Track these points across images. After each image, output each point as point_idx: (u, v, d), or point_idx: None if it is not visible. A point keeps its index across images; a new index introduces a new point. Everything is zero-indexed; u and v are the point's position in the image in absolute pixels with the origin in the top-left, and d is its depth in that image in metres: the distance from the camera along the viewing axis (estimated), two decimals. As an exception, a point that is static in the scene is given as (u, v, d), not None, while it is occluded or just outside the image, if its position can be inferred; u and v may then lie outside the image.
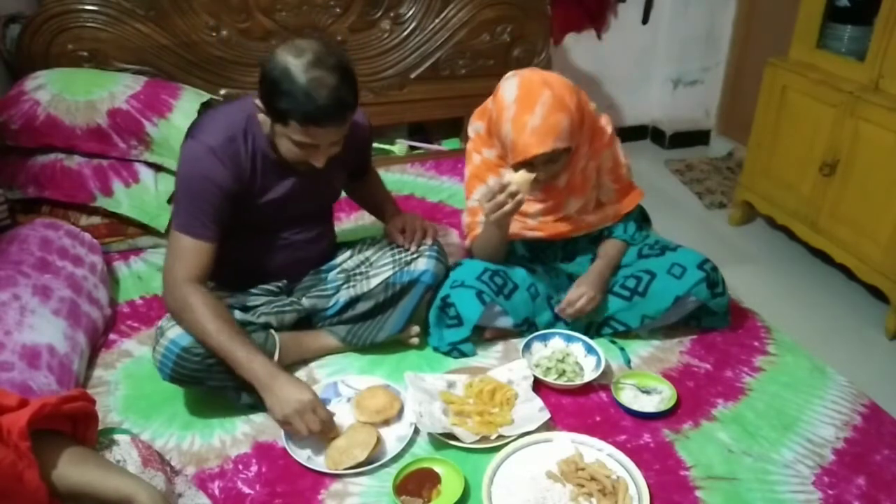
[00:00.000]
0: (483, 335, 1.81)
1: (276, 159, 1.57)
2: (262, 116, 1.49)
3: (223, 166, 1.50)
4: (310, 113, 1.39)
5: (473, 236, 1.85)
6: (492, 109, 1.68)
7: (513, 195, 1.56)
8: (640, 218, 1.93)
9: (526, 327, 1.79)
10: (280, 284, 1.74)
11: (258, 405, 1.54)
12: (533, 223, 1.80)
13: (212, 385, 1.52)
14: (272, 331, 1.64)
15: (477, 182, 1.82)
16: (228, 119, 1.54)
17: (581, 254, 1.91)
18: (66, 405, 1.00)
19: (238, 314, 1.59)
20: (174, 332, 1.48)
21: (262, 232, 1.68)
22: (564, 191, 1.76)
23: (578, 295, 1.73)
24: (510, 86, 1.62)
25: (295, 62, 1.38)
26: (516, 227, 1.81)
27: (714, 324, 1.85)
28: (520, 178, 1.58)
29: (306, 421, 1.40)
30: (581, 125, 1.65)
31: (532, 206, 1.77)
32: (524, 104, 1.57)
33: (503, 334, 1.83)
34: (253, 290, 1.70)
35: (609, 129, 1.81)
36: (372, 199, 1.94)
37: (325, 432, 1.44)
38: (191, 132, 1.55)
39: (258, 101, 1.46)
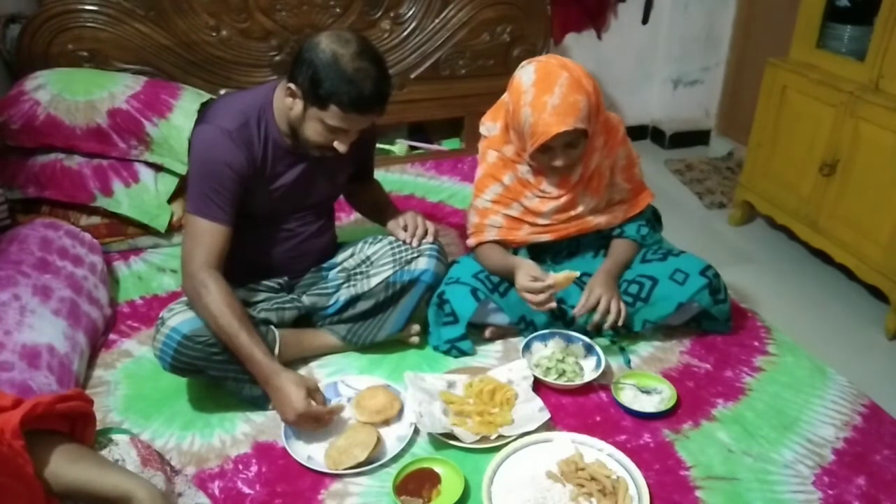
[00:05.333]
0: (483, 335, 1.82)
1: (286, 147, 1.60)
2: (288, 101, 1.53)
3: (239, 150, 1.53)
4: (355, 100, 1.46)
5: (480, 240, 1.82)
6: (507, 102, 1.70)
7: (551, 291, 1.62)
8: (653, 219, 1.92)
9: (524, 326, 1.79)
10: (281, 281, 1.75)
11: (259, 400, 1.56)
12: (543, 224, 1.80)
13: (212, 374, 1.53)
14: (272, 327, 1.65)
15: (491, 181, 1.80)
16: (242, 105, 1.58)
17: (584, 250, 1.91)
18: (61, 404, 0.99)
19: None
20: (175, 321, 1.49)
21: (267, 222, 1.69)
22: (578, 185, 1.75)
23: (595, 299, 1.68)
24: (527, 72, 1.64)
25: (342, 51, 1.44)
26: (524, 233, 1.81)
27: (715, 328, 1.84)
28: (563, 279, 1.61)
29: (305, 429, 1.46)
30: (598, 110, 1.66)
31: (546, 205, 1.76)
32: (543, 85, 1.59)
33: (503, 334, 1.83)
34: (254, 286, 1.71)
35: (622, 128, 1.81)
36: (374, 204, 1.95)
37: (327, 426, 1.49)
38: (204, 117, 1.59)
39: (292, 85, 1.50)
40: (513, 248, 1.84)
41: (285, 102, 1.54)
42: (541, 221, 1.79)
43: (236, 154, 1.53)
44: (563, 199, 1.76)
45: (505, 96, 1.73)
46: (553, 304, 1.64)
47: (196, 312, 1.50)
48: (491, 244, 1.81)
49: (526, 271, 1.65)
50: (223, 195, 1.53)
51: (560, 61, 1.64)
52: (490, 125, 1.82)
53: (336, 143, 1.54)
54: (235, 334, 1.45)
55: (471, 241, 1.87)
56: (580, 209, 1.78)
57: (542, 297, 1.61)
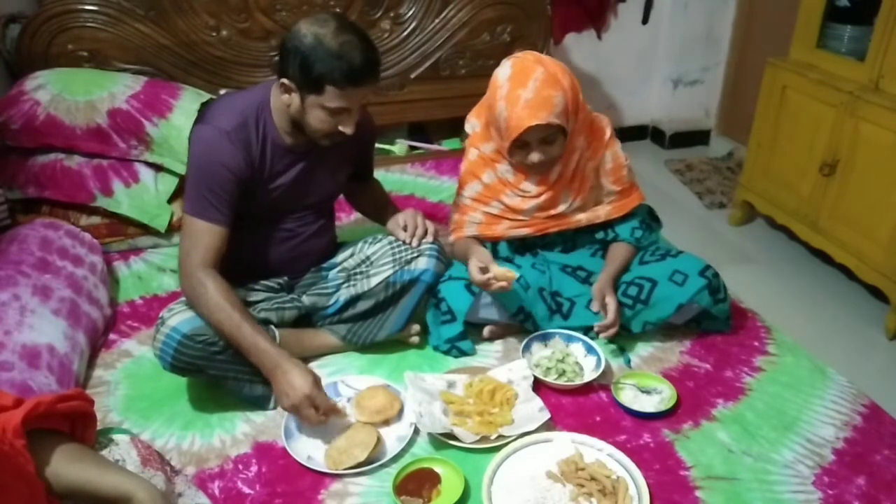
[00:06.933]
0: (482, 335, 1.82)
1: (285, 146, 1.60)
2: (285, 97, 1.52)
3: (236, 151, 1.53)
4: (347, 74, 1.45)
5: (459, 236, 1.86)
6: (487, 98, 1.71)
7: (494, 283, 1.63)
8: (649, 219, 1.92)
9: (523, 318, 1.78)
10: (281, 281, 1.75)
11: (259, 400, 1.57)
12: (523, 219, 1.80)
13: (212, 374, 1.53)
14: (272, 326, 1.65)
15: (471, 178, 1.83)
16: (240, 105, 1.58)
17: (580, 247, 1.91)
18: (62, 404, 0.99)
19: None
20: (175, 320, 1.49)
21: (266, 222, 1.69)
22: (558, 184, 1.76)
23: (615, 308, 1.68)
24: (504, 68, 1.66)
25: (323, 30, 1.45)
26: (503, 227, 1.82)
27: (715, 327, 1.84)
28: (502, 274, 1.62)
29: (306, 416, 1.43)
30: (575, 107, 1.66)
31: (526, 203, 1.78)
32: (517, 80, 1.61)
33: (502, 333, 1.83)
34: (254, 286, 1.71)
35: (608, 130, 1.81)
36: (374, 203, 1.95)
37: (330, 418, 1.47)
38: (202, 117, 1.59)
39: (285, 80, 1.49)
40: (491, 242, 1.85)
41: (282, 99, 1.54)
42: (521, 218, 1.81)
43: (234, 155, 1.53)
44: (542, 198, 1.77)
45: (487, 94, 1.74)
46: (497, 286, 1.64)
47: (196, 311, 1.51)
48: (465, 239, 1.84)
49: (477, 257, 1.68)
50: (220, 196, 1.53)
51: (536, 57, 1.66)
52: (474, 121, 1.84)
53: (341, 127, 1.53)
54: (237, 326, 1.46)
55: (451, 238, 1.88)
56: (561, 208, 1.79)
57: (482, 280, 1.62)
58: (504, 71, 1.65)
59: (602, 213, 1.83)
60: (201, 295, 1.48)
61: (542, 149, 1.66)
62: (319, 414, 1.44)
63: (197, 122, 1.59)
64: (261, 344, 1.46)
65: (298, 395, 1.42)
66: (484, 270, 1.64)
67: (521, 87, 1.59)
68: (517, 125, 1.60)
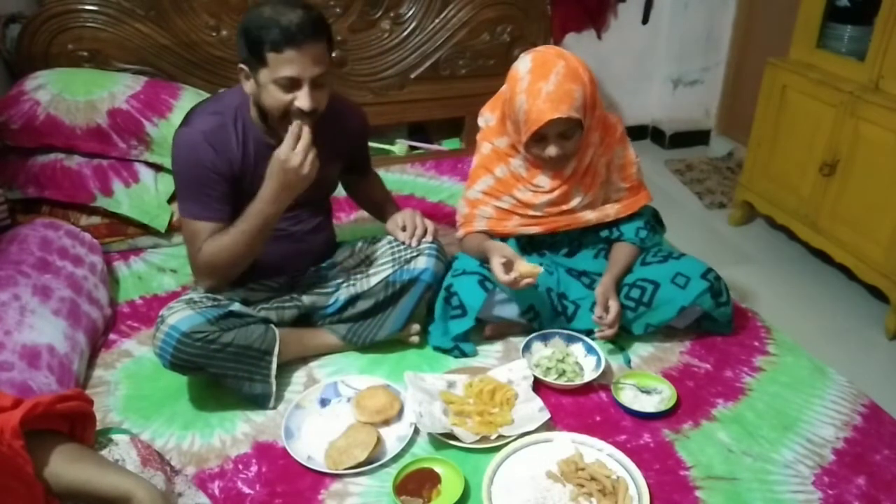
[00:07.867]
0: (484, 333, 1.81)
1: (267, 143, 1.59)
2: (247, 86, 1.52)
3: (214, 151, 1.54)
4: (282, 34, 1.41)
5: (468, 231, 1.85)
6: (505, 91, 1.71)
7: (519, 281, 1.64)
8: (654, 221, 1.92)
9: (532, 316, 1.78)
10: (280, 280, 1.75)
11: (259, 398, 1.57)
12: (533, 215, 1.80)
13: (212, 372, 1.53)
14: (272, 326, 1.64)
15: (483, 172, 1.82)
16: (219, 107, 1.58)
17: (586, 248, 1.91)
18: (61, 404, 0.99)
19: (238, 307, 1.61)
20: (174, 318, 1.49)
21: None
22: (571, 179, 1.75)
23: (616, 312, 1.69)
24: (524, 61, 1.65)
25: (263, 7, 1.46)
26: (513, 224, 1.82)
27: (717, 329, 1.84)
28: (528, 271, 1.62)
29: (304, 161, 1.48)
30: (593, 102, 1.66)
31: (538, 198, 1.77)
32: (539, 73, 1.60)
33: (503, 332, 1.83)
34: (254, 286, 1.71)
35: (620, 127, 1.82)
36: (373, 199, 1.95)
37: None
38: (183, 121, 1.60)
39: (241, 65, 1.50)
40: (500, 238, 1.84)
41: (246, 89, 1.54)
42: (532, 213, 1.80)
43: (211, 155, 1.53)
44: (555, 193, 1.76)
45: (503, 87, 1.73)
46: (524, 283, 1.65)
47: (230, 276, 1.59)
48: (475, 233, 1.83)
49: (499, 253, 1.67)
50: (209, 194, 1.55)
51: (557, 51, 1.65)
52: (488, 116, 1.83)
53: (297, 103, 1.48)
54: (241, 233, 1.52)
55: (459, 232, 1.87)
56: (573, 203, 1.78)
57: (509, 279, 1.63)
58: (524, 64, 1.64)
59: (611, 211, 1.83)
60: (210, 265, 1.54)
61: (559, 143, 1.65)
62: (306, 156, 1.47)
63: (180, 125, 1.60)
64: (252, 211, 1.52)
65: (289, 165, 1.46)
66: (507, 267, 1.64)
67: (543, 80, 1.58)
68: (538, 118, 1.59)
